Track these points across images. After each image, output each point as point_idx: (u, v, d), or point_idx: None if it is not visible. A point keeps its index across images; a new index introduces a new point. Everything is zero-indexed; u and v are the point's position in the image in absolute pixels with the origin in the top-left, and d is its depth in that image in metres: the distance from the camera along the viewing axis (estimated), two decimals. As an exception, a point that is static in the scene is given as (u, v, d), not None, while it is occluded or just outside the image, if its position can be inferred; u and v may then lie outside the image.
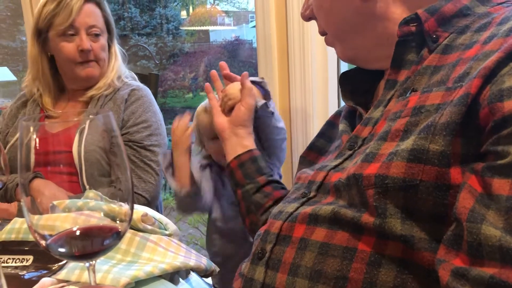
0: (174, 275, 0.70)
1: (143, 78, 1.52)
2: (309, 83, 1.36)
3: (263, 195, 0.91)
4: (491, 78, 0.47)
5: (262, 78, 1.06)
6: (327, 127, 0.85)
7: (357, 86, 0.74)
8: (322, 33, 0.74)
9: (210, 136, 1.14)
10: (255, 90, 1.01)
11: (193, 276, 0.72)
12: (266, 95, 1.05)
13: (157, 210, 1.37)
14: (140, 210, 0.75)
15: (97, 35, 1.31)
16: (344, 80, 0.75)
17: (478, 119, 0.47)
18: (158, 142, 1.33)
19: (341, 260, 0.52)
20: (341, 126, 0.73)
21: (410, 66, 0.61)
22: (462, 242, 0.44)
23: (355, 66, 0.76)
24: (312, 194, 0.63)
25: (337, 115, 0.85)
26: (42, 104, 1.36)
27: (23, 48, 5.01)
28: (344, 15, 0.67)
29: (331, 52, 1.35)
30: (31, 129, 0.45)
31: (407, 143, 0.51)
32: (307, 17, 0.75)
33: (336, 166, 0.62)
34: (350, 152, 0.63)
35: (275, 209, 0.67)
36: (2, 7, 5.50)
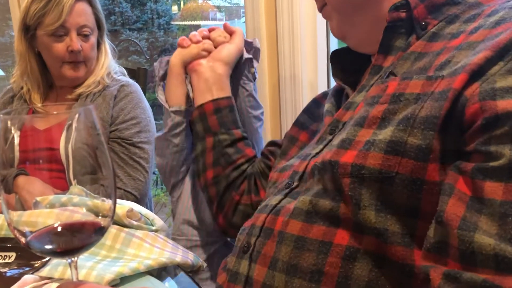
0: (161, 271, 0.69)
1: (131, 73, 1.51)
2: (299, 75, 1.35)
3: (236, 150, 0.87)
4: (479, 75, 0.46)
5: (254, 39, 0.99)
6: (312, 104, 0.84)
7: (348, 64, 0.73)
8: (321, 7, 0.71)
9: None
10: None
11: (180, 272, 0.71)
12: (255, 54, 0.98)
13: (147, 207, 1.36)
14: (125, 205, 0.74)
15: (87, 35, 1.28)
16: (335, 58, 0.74)
17: (463, 115, 0.46)
18: (147, 139, 1.32)
19: (317, 254, 0.53)
20: (327, 105, 0.72)
21: (396, 52, 0.60)
22: (449, 249, 0.44)
23: (345, 45, 0.74)
24: (294, 184, 0.62)
25: (323, 96, 0.84)
26: (30, 100, 1.34)
27: (12, 43, 4.95)
28: None
29: (321, 44, 1.35)
30: (9, 123, 0.44)
31: (385, 134, 0.50)
32: None
33: (317, 153, 0.62)
34: (331, 137, 0.62)
35: (261, 204, 0.67)
36: (-9, 1, 5.42)
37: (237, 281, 0.60)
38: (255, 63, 0.96)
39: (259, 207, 0.66)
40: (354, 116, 0.58)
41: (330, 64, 0.78)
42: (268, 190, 0.76)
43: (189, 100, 0.94)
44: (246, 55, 0.94)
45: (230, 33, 0.93)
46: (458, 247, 0.42)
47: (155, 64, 1.00)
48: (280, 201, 0.61)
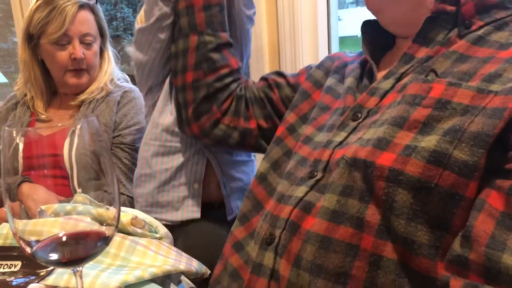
0: (165, 279, 0.69)
1: (134, 79, 1.51)
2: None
3: (221, 56, 0.83)
4: None
5: None
6: (327, 60, 0.82)
7: (377, 38, 0.71)
8: None
9: None
10: None
11: (184, 279, 0.71)
12: None
13: (150, 212, 1.36)
14: (129, 213, 0.74)
15: (89, 43, 1.29)
16: (366, 28, 0.72)
17: (511, 133, 0.45)
18: (150, 143, 1.33)
19: (344, 256, 0.51)
20: (349, 80, 0.69)
21: (433, 45, 0.58)
22: (473, 264, 0.43)
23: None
24: (319, 175, 0.59)
25: (341, 56, 0.81)
26: (33, 107, 1.35)
27: (14, 50, 4.96)
28: None
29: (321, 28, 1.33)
30: (15, 133, 0.45)
31: (429, 142, 0.49)
32: None
33: (340, 142, 0.60)
34: (354, 124, 0.60)
35: (281, 189, 0.64)
36: (-6, 8, 5.44)
37: (261, 273, 0.58)
38: None
39: (279, 194, 0.64)
40: (381, 110, 0.56)
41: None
42: (276, 149, 0.73)
43: None
44: None
45: None
46: (484, 264, 0.42)
47: None
48: (306, 194, 0.59)
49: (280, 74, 0.87)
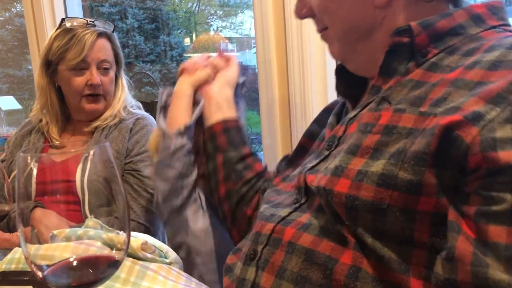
0: (174, 304, 0.69)
1: (146, 106, 1.54)
2: (309, 106, 1.37)
3: (245, 165, 0.90)
4: (476, 119, 0.46)
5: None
6: (323, 113, 0.85)
7: (352, 79, 0.73)
8: (321, 29, 0.71)
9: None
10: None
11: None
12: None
13: (160, 239, 1.36)
14: (140, 238, 0.75)
15: (106, 69, 1.32)
16: (340, 71, 0.74)
17: (466, 162, 0.46)
18: (161, 170, 1.34)
19: (324, 269, 0.54)
20: (330, 118, 0.75)
21: (396, 76, 0.60)
22: (461, 284, 0.45)
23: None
24: (303, 199, 0.63)
25: (334, 103, 0.84)
26: (48, 133, 1.37)
27: (29, 77, 5.08)
28: (353, 19, 0.65)
29: (330, 76, 1.37)
30: (29, 159, 0.46)
31: (377, 166, 0.52)
32: (303, 16, 0.72)
33: (312, 167, 0.64)
34: (327, 153, 0.64)
35: (265, 212, 0.68)
36: (10, 37, 5.61)
37: (244, 287, 0.62)
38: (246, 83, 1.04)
39: (263, 215, 0.67)
40: (347, 139, 0.60)
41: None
42: (269, 193, 0.76)
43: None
44: (240, 79, 1.01)
45: (227, 59, 1.01)
46: (473, 282, 0.43)
47: (159, 91, 1.04)
48: (289, 214, 0.63)
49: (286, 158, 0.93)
